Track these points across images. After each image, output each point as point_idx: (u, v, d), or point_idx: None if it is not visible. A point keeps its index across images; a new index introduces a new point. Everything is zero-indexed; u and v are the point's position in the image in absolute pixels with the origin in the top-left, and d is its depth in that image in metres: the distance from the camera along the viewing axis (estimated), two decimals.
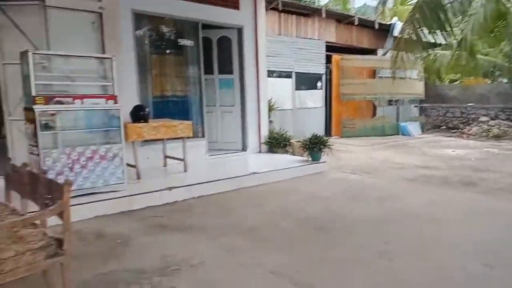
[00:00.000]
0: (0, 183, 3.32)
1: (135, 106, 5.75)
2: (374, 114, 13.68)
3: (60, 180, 3.75)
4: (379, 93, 13.03)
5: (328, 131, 11.96)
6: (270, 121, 8.71)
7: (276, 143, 7.99)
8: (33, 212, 2.98)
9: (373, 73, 13.42)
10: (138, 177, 5.56)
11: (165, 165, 6.60)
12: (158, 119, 6.25)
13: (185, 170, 6.22)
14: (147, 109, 5.84)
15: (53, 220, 2.60)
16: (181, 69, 7.31)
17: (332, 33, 12.14)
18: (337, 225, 4.30)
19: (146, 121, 5.69)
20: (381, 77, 13.08)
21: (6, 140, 5.32)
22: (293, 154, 7.73)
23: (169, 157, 6.50)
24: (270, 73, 9.65)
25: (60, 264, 2.43)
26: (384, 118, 13.26)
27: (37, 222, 2.63)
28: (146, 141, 6.05)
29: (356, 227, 4.22)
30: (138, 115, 5.64)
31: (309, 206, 4.96)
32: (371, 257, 3.45)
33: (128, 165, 5.25)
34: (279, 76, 10.76)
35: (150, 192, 5.04)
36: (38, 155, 4.34)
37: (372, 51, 13.57)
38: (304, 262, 3.36)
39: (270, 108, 9.01)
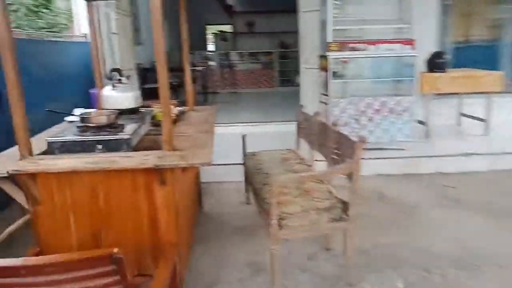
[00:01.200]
0: (293, 128, 3.37)
1: (433, 53, 4.90)
2: None
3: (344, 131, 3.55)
4: None
5: None
6: None
7: None
8: (319, 161, 2.87)
9: None
10: (427, 136, 4.84)
11: (459, 124, 5.53)
12: (456, 68, 5.18)
13: (486, 134, 4.99)
14: (446, 57, 4.89)
15: None
16: (493, 5, 5.74)
17: None
18: None
19: (443, 70, 4.79)
20: None
21: (300, 88, 5.62)
22: None
23: (466, 115, 5.37)
24: None
25: (344, 230, 2.16)
26: None
27: None
28: (438, 94, 5.16)
29: None
30: (434, 63, 4.79)
31: None
32: None
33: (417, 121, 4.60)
34: None
35: (441, 156, 4.28)
36: (326, 104, 4.30)
37: None
38: None
39: None
